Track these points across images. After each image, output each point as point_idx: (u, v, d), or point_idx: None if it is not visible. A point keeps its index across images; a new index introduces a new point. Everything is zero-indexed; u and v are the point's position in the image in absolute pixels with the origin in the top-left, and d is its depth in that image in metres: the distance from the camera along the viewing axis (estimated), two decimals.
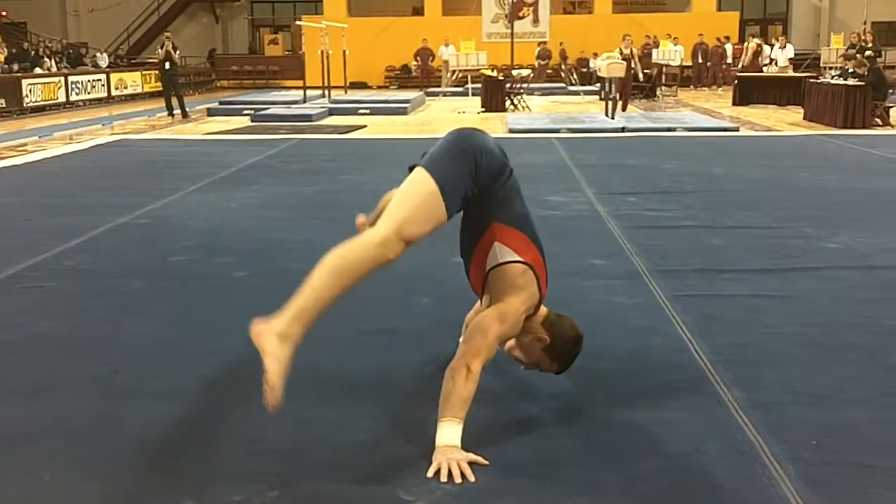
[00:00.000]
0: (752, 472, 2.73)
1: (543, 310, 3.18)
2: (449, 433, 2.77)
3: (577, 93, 23.08)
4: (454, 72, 23.93)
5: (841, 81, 14.90)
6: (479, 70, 21.32)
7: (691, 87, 25.06)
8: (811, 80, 16.52)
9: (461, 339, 2.98)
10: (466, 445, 2.78)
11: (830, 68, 21.64)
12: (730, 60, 24.20)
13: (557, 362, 3.19)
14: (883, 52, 22.86)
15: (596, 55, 24.82)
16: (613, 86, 15.70)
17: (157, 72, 20.31)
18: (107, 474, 2.78)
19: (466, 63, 22.20)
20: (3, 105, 18.32)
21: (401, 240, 2.85)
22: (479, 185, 3.02)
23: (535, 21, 28.57)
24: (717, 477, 2.71)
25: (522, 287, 3.03)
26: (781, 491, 2.62)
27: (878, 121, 14.19)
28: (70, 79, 21.33)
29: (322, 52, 20.09)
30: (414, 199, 2.93)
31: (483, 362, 2.92)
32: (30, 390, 3.47)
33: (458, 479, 2.64)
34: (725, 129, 13.84)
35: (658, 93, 21.74)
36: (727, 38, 25.22)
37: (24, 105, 19.00)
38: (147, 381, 3.54)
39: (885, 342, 3.92)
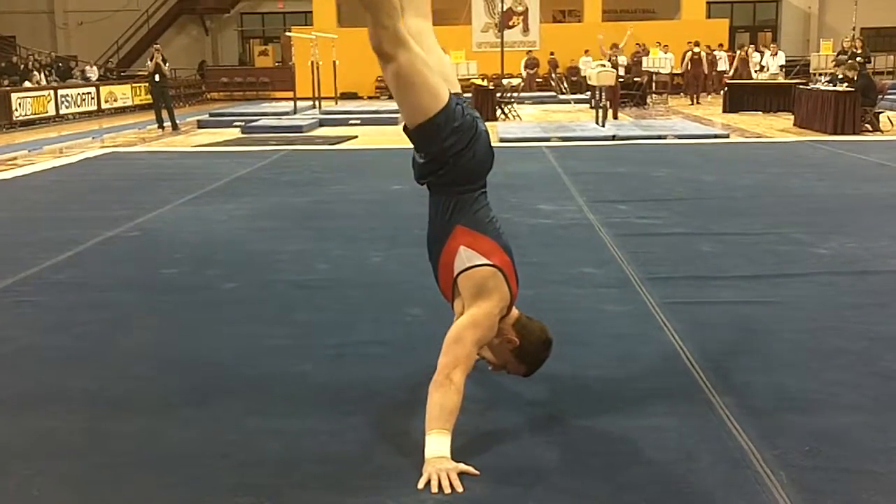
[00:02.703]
0: (744, 479, 2.72)
1: (515, 312, 3.19)
2: (437, 445, 2.76)
3: (567, 101, 23.13)
4: None
5: (831, 88, 14.95)
6: (469, 79, 21.35)
7: (681, 94, 25.11)
8: (801, 87, 16.58)
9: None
10: (455, 455, 2.77)
11: (820, 74, 21.75)
12: (677, 70, 24.55)
13: (525, 365, 3.20)
14: (872, 58, 22.96)
15: (587, 52, 24.94)
16: (604, 94, 15.73)
17: (146, 84, 20.30)
18: (96, 489, 2.76)
19: (456, 72, 22.23)
20: None
21: (400, 47, 2.87)
22: (454, 155, 3.04)
23: (525, 30, 28.65)
24: (708, 484, 2.70)
25: (493, 290, 3.03)
26: (773, 498, 2.61)
27: (868, 126, 14.24)
28: (59, 92, 21.29)
29: (312, 63, 20.09)
30: (431, 77, 2.98)
31: (464, 372, 2.92)
32: (19, 405, 3.45)
33: (447, 490, 2.63)
34: (716, 136, 13.88)
35: (648, 100, 21.80)
36: (695, 43, 25.15)
37: (14, 119, 18.95)
38: (137, 395, 3.52)
39: (876, 347, 3.92)
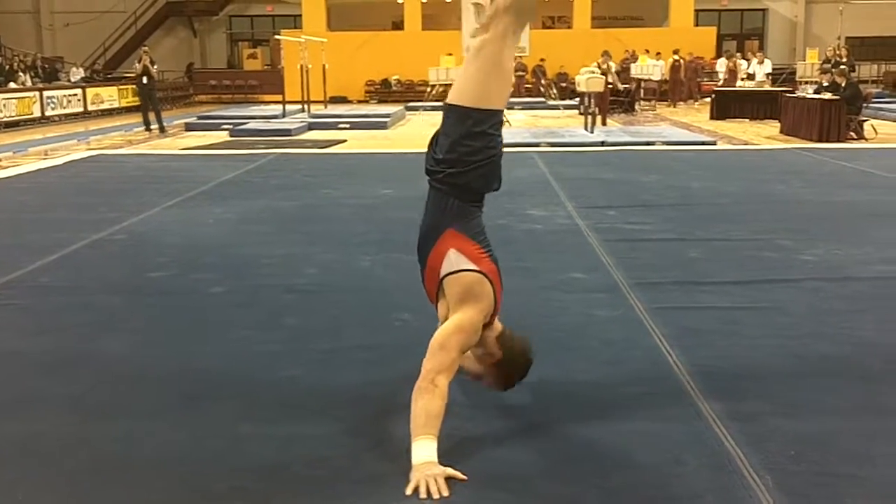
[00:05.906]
0: (731, 483, 2.74)
1: (499, 325, 3.20)
2: (424, 450, 2.77)
3: (556, 107, 23.17)
4: (433, 86, 23.96)
5: (816, 96, 15.04)
6: None
7: (668, 101, 25.22)
8: (787, 95, 16.67)
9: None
10: (443, 459, 2.77)
11: (806, 82, 21.87)
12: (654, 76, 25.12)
13: (504, 380, 3.22)
14: (856, 67, 23.13)
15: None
16: (593, 100, 15.78)
17: (134, 86, 20.24)
18: (81, 494, 2.75)
19: (447, 77, 22.24)
20: None
21: (502, 39, 3.17)
22: (473, 163, 3.17)
23: None
24: (695, 489, 2.71)
25: (479, 296, 3.06)
26: (759, 501, 2.63)
27: (853, 134, 14.33)
28: (45, 94, 21.17)
29: (301, 66, 20.08)
30: (499, 82, 3.27)
31: (448, 377, 2.93)
32: (3, 409, 3.43)
33: (435, 495, 2.63)
34: (703, 143, 13.93)
35: (637, 107, 21.89)
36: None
37: None
38: (123, 399, 3.51)
39: (860, 353, 3.95)
